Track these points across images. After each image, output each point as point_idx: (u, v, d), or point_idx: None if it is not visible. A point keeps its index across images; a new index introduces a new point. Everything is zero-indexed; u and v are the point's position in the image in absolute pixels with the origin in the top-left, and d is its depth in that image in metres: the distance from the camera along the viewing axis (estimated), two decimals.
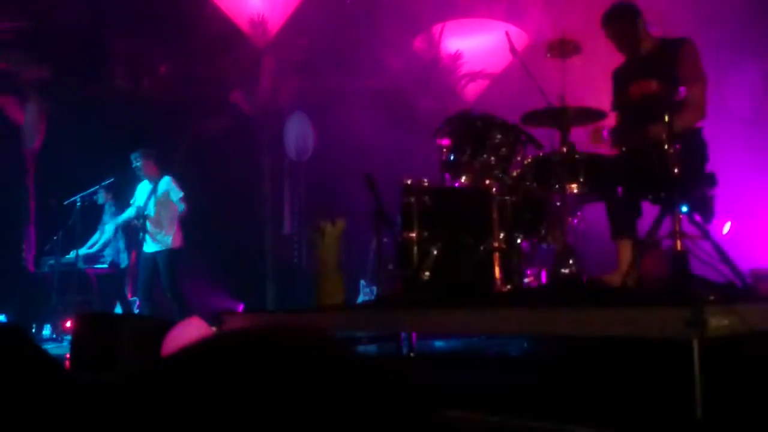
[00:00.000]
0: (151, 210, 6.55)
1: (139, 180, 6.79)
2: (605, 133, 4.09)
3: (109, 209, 7.70)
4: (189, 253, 6.93)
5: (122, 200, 7.20)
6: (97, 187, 7.22)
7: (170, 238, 6.52)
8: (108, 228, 7.66)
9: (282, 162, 10.39)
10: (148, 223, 6.52)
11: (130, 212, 6.81)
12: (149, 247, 6.57)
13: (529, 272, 4.15)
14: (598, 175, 3.88)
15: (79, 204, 7.08)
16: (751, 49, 7.19)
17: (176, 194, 6.58)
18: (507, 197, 3.97)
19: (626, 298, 3.24)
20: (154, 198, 6.59)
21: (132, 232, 7.24)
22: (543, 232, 4.09)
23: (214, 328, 3.52)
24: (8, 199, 9.35)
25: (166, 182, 6.61)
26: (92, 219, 7.80)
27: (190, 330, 3.35)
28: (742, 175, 6.27)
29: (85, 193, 7.10)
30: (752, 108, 6.95)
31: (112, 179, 6.84)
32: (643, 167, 3.67)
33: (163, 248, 6.53)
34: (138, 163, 6.63)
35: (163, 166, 6.81)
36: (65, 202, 7.17)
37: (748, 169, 6.53)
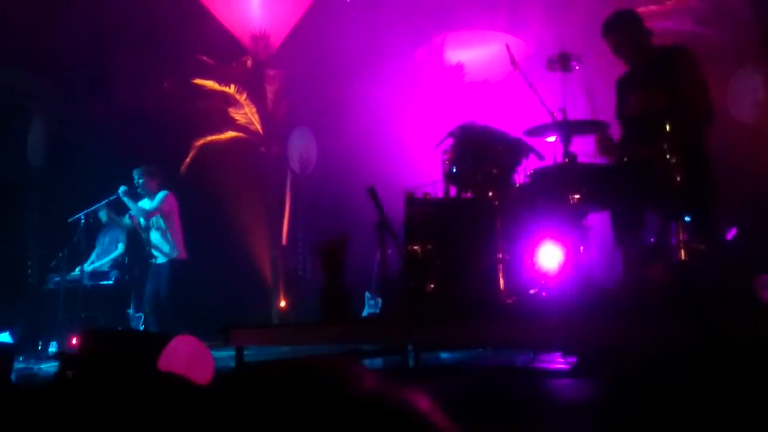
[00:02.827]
0: (150, 223, 6.65)
1: (141, 197, 6.82)
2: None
3: (113, 225, 7.74)
4: (194, 265, 6.96)
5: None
6: (102, 203, 7.23)
7: (171, 249, 6.59)
8: (120, 246, 7.77)
9: (285, 175, 10.41)
10: (151, 236, 6.63)
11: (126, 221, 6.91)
12: (155, 259, 6.65)
13: (533, 283, 4.14)
14: (601, 186, 3.88)
15: (83, 221, 7.09)
16: (753, 54, 7.18)
17: (149, 204, 6.65)
18: (510, 208, 3.98)
19: (632, 308, 3.24)
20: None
21: (137, 249, 7.29)
22: (546, 242, 4.09)
23: (206, 345, 3.52)
24: (13, 216, 9.38)
25: (160, 196, 6.68)
26: (97, 236, 7.84)
27: (182, 348, 3.35)
28: (744, 183, 6.25)
29: (89, 209, 7.12)
30: (755, 116, 6.93)
31: (114, 196, 6.84)
32: (646, 177, 3.67)
33: (164, 260, 6.61)
34: (140, 180, 6.70)
35: (165, 183, 6.87)
36: (70, 220, 7.18)
37: (750, 176, 6.50)
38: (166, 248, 6.63)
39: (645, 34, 4.11)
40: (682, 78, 3.86)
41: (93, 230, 7.61)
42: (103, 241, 7.98)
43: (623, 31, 4.09)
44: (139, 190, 6.75)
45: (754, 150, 6.52)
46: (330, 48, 9.82)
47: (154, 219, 6.69)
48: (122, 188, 6.62)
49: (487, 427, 2.29)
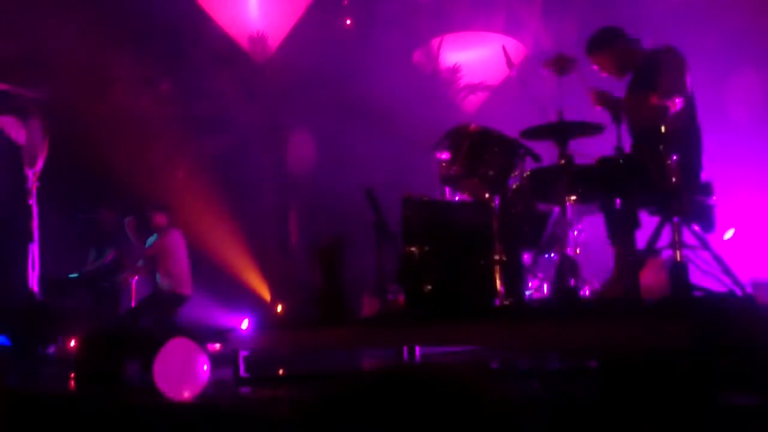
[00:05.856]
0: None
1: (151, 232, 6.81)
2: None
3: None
4: (192, 268, 6.95)
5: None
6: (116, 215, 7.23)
7: (175, 284, 6.56)
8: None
9: (283, 177, 10.41)
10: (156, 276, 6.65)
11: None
12: (156, 285, 6.65)
13: (530, 285, 4.16)
14: (596, 187, 3.88)
15: (85, 224, 7.10)
16: (751, 56, 7.20)
17: (150, 242, 6.63)
18: (506, 210, 3.98)
19: (627, 310, 3.25)
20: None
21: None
22: (543, 244, 4.10)
23: (201, 348, 3.54)
24: (11, 219, 9.37)
25: (160, 235, 6.66)
26: (96, 239, 7.83)
27: (178, 351, 3.38)
28: (743, 184, 6.27)
29: (94, 215, 7.14)
30: (753, 116, 6.95)
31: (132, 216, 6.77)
32: (641, 178, 3.68)
33: (167, 291, 6.60)
34: (148, 216, 6.68)
35: (174, 222, 6.83)
36: (81, 216, 7.18)
37: (749, 177, 6.53)
38: (168, 281, 6.59)
39: (630, 45, 4.09)
40: (664, 79, 3.84)
41: (96, 233, 7.61)
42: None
43: (607, 49, 4.09)
44: (147, 224, 6.73)
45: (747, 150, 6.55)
46: (327, 49, 9.84)
47: (155, 255, 6.65)
48: (128, 219, 6.58)
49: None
